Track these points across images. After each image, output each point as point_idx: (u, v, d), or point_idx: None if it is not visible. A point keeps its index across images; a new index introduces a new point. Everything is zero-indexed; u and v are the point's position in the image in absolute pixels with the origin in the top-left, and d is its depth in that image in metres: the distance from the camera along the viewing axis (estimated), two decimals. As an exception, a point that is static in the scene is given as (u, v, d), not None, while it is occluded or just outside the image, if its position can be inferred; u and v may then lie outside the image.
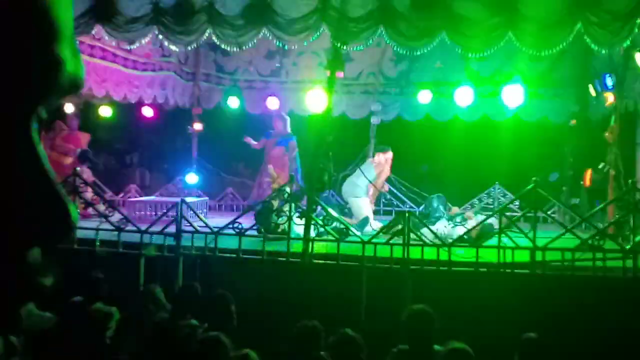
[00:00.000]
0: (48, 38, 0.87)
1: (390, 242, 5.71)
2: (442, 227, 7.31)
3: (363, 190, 8.47)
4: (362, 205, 8.39)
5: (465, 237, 6.33)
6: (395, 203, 10.32)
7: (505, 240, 5.68)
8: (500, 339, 4.31)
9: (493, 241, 5.77)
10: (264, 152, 9.98)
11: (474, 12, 5.97)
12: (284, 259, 5.85)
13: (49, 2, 0.86)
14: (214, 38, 6.37)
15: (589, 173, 8.97)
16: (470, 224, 7.13)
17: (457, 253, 5.78)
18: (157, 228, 6.16)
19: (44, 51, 0.87)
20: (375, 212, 9.48)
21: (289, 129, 10.03)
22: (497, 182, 10.53)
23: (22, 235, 0.85)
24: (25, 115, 0.86)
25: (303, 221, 6.09)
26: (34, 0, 0.84)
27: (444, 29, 6.01)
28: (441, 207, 8.17)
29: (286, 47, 6.90)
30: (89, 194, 6.94)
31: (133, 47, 7.30)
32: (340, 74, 6.93)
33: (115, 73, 9.35)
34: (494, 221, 6.53)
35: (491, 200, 10.29)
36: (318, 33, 6.19)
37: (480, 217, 7.09)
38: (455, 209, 7.93)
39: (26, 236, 0.86)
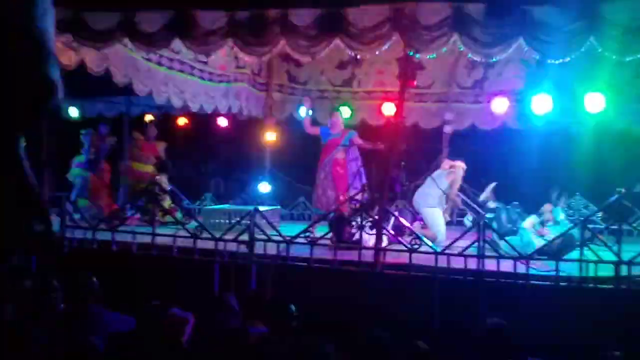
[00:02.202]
0: (40, 61, 0.88)
1: (464, 253, 5.58)
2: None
3: (435, 200, 8.31)
4: (435, 215, 8.23)
5: (545, 249, 6.10)
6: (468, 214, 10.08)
7: (587, 253, 5.44)
8: (581, 356, 4.12)
9: (574, 254, 5.54)
10: (320, 156, 9.43)
11: (553, 17, 5.77)
12: (355, 268, 5.82)
13: (36, 22, 0.86)
14: (287, 49, 6.45)
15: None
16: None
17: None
18: (231, 236, 6.28)
19: (36, 74, 0.89)
20: (448, 224, 9.30)
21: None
22: (577, 193, 10.12)
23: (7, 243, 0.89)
24: (14, 135, 0.89)
25: (374, 231, 6.05)
26: (26, 23, 0.85)
27: (520, 35, 5.84)
28: (519, 218, 7.91)
29: (358, 56, 6.89)
30: (166, 202, 7.15)
31: (209, 59, 7.50)
32: (412, 83, 6.87)
33: (192, 85, 9.64)
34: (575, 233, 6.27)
35: (572, 212, 9.89)
36: (390, 42, 6.16)
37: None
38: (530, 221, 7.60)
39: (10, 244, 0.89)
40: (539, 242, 6.60)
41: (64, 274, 5.15)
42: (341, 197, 9.04)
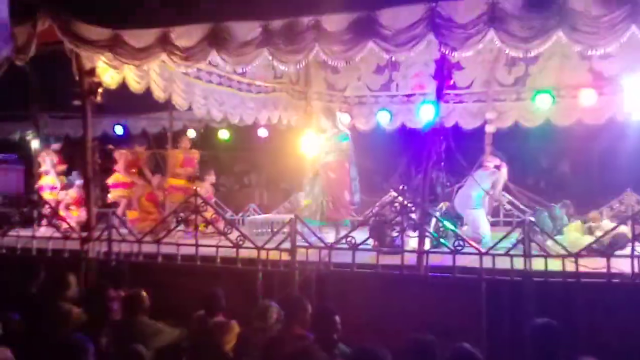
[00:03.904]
0: None
1: (510, 252, 5.45)
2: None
3: (478, 201, 8.17)
4: (478, 217, 8.08)
5: (594, 246, 5.91)
6: (515, 213, 9.87)
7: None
8: (635, 354, 3.96)
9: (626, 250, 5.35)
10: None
11: (592, 6, 5.61)
12: (398, 272, 5.75)
13: None
14: (321, 55, 6.45)
15: None
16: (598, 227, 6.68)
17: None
18: (273, 244, 6.30)
19: None
20: (494, 224, 9.12)
21: (341, 127, 8.99)
22: (628, 189, 9.79)
23: None
24: None
25: (417, 234, 5.98)
26: None
27: (559, 27, 5.69)
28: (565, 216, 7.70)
29: (393, 58, 6.84)
30: (209, 213, 7.23)
31: (246, 69, 7.57)
32: (449, 83, 6.79)
33: (231, 97, 9.76)
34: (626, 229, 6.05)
35: (623, 207, 9.56)
36: (425, 42, 6.09)
37: (609, 224, 6.60)
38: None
39: None
40: (587, 240, 6.39)
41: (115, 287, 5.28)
42: (330, 204, 8.44)
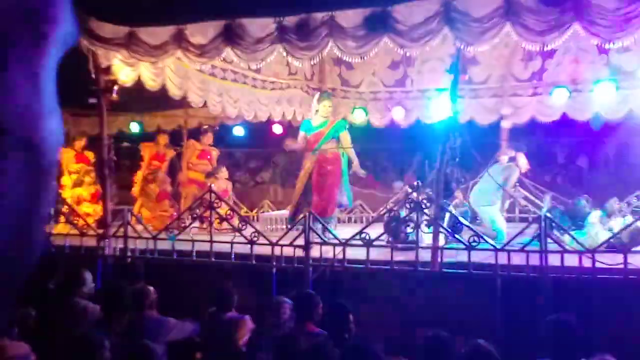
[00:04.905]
0: None
1: (526, 248, 5.40)
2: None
3: (492, 197, 8.09)
4: (493, 213, 8.01)
5: (612, 241, 5.84)
6: (531, 209, 9.78)
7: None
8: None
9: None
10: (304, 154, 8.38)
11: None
12: (412, 268, 5.73)
13: None
14: (335, 51, 6.43)
15: None
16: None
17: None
18: (287, 240, 6.30)
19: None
20: (510, 220, 9.04)
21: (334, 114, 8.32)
22: (647, 183, 9.66)
23: None
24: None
25: (431, 229, 5.94)
26: None
27: (576, 19, 5.62)
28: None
29: (408, 53, 6.79)
30: (223, 209, 7.25)
31: (260, 65, 7.57)
32: (464, 78, 6.73)
33: (246, 93, 9.77)
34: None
35: (643, 203, 9.42)
36: (440, 37, 6.04)
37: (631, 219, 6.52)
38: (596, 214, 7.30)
39: None
40: (605, 236, 6.32)
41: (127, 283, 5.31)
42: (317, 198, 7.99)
